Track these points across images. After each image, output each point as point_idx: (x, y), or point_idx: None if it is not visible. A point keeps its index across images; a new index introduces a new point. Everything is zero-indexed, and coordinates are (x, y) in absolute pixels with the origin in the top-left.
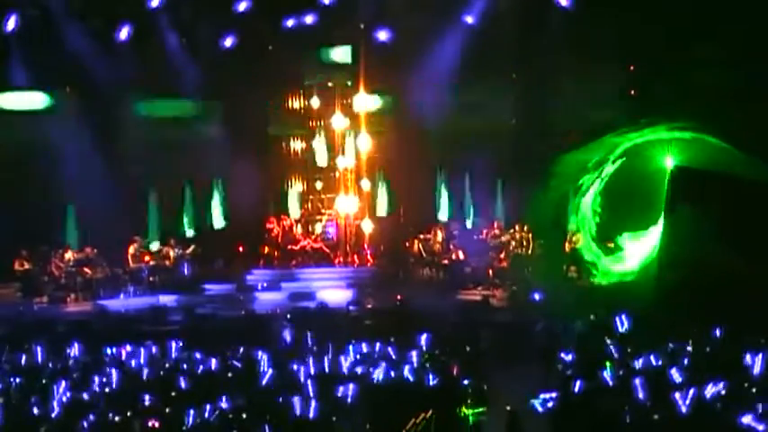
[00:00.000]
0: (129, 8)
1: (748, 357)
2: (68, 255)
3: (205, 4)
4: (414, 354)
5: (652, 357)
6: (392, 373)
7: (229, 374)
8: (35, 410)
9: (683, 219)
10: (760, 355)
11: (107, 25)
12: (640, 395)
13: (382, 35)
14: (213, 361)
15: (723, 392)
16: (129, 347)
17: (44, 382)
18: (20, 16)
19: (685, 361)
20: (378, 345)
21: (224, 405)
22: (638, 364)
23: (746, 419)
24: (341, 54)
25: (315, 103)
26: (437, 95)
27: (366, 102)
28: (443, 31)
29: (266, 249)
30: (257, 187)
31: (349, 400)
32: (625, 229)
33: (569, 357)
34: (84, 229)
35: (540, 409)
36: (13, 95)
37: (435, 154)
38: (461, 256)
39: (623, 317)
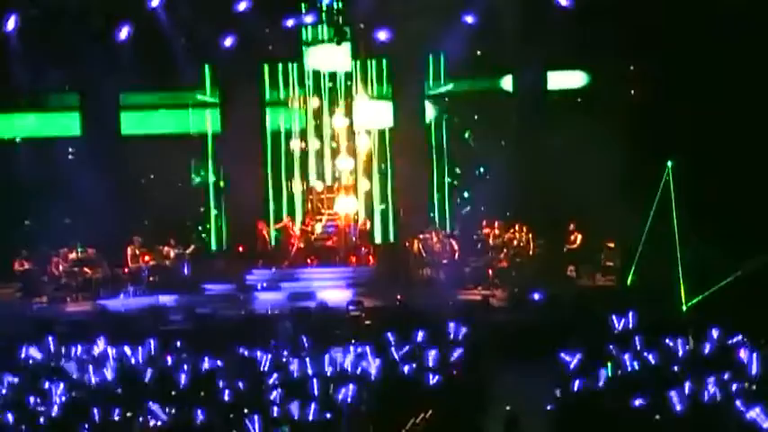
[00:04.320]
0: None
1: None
2: (73, 255)
3: (205, 4)
4: (413, 353)
5: (651, 356)
6: (392, 373)
7: (229, 374)
8: (35, 410)
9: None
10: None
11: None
12: (640, 395)
13: (382, 35)
14: (213, 361)
15: (722, 391)
16: (128, 347)
17: (44, 382)
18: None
19: (685, 360)
20: (377, 344)
21: (224, 405)
22: (638, 363)
23: (752, 414)
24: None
25: (314, 102)
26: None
27: (365, 102)
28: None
29: (262, 250)
30: (257, 187)
31: (349, 400)
32: None
33: (569, 357)
34: (84, 229)
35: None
36: None
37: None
38: (461, 255)
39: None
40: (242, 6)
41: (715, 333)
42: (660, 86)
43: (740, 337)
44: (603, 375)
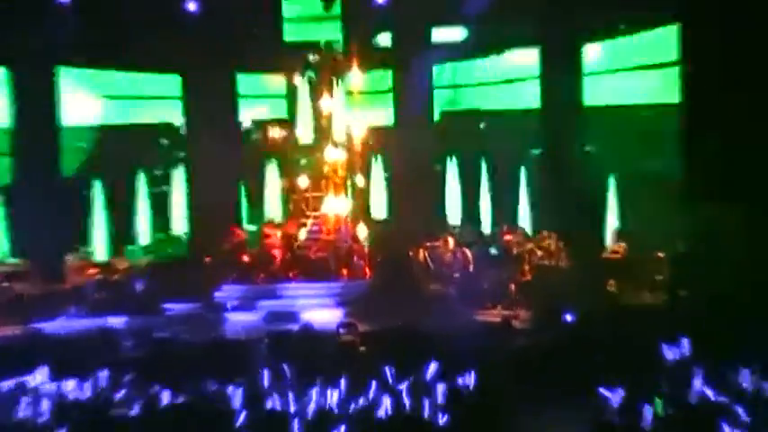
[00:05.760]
0: None
1: None
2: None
3: None
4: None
5: (710, 392)
6: (393, 412)
7: (194, 413)
8: None
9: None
10: None
11: None
12: None
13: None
14: (174, 397)
15: None
16: (70, 381)
17: None
18: None
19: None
20: (375, 376)
21: None
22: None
23: None
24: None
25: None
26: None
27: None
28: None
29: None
30: (226, 184)
31: None
32: None
33: (610, 393)
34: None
35: None
36: None
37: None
38: (476, 267)
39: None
40: None
41: None
42: None
43: None
44: (651, 414)
